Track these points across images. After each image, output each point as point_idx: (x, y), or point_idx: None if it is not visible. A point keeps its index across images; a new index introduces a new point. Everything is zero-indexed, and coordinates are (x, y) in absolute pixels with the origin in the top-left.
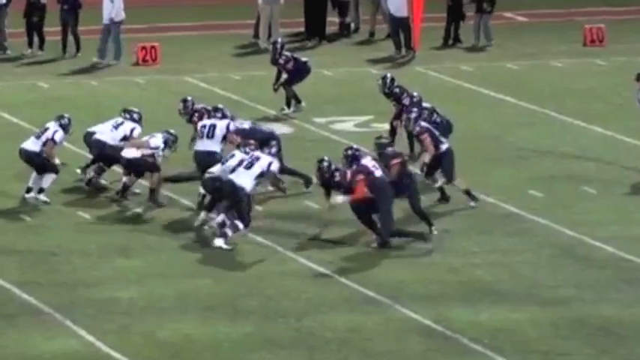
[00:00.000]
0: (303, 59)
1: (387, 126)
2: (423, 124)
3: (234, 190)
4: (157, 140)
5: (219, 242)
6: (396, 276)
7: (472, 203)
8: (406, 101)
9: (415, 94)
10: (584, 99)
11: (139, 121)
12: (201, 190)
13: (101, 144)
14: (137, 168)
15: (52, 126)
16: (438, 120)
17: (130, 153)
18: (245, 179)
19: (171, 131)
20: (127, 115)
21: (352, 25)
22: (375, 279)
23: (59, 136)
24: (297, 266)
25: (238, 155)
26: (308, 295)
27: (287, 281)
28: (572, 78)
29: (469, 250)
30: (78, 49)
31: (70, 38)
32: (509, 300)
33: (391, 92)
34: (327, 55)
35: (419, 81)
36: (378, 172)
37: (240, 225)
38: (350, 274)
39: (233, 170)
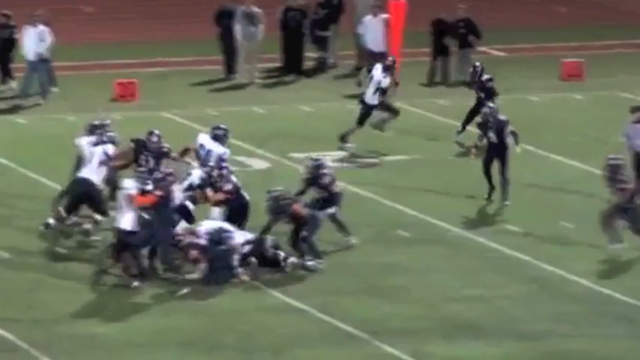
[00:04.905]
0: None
1: (365, 160)
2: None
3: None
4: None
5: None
6: (375, 311)
7: None
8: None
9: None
10: (562, 133)
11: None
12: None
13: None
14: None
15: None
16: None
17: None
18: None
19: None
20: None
21: (332, 61)
22: (353, 314)
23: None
24: (273, 301)
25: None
26: (285, 330)
27: (264, 316)
28: (550, 112)
29: (448, 285)
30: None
31: None
32: (487, 335)
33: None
34: (305, 90)
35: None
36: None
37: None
38: (328, 308)
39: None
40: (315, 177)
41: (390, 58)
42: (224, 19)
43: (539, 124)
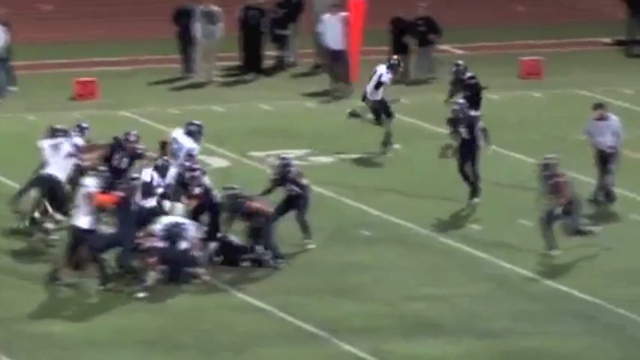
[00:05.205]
0: None
1: (323, 159)
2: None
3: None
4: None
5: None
6: (336, 310)
7: None
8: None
9: None
10: (521, 131)
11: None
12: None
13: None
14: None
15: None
16: None
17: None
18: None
19: None
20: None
21: (291, 59)
22: (314, 313)
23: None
24: (234, 300)
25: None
26: (246, 328)
27: (225, 315)
28: (509, 110)
29: (408, 284)
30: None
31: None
32: (447, 333)
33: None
34: (264, 88)
35: None
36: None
37: None
38: (289, 307)
39: None
40: (283, 176)
41: (395, 57)
42: (182, 17)
43: (498, 122)
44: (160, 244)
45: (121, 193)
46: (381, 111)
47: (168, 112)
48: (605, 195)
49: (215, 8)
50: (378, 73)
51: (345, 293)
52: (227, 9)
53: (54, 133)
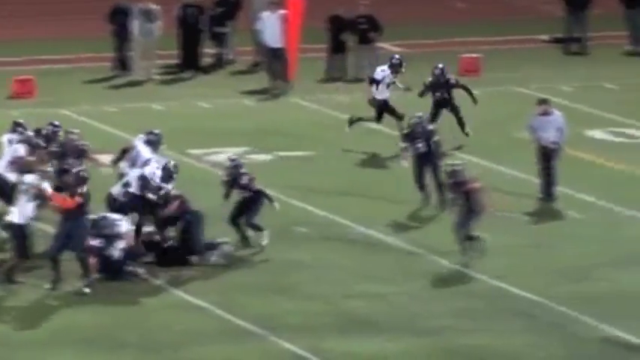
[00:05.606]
0: None
1: (262, 157)
2: None
3: None
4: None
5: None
6: (273, 307)
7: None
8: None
9: None
10: (460, 129)
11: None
12: None
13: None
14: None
15: None
16: None
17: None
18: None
19: None
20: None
21: (230, 57)
22: (252, 310)
23: None
24: (174, 298)
25: None
26: (185, 326)
27: (164, 313)
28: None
29: (347, 282)
30: None
31: None
32: (385, 330)
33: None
34: (202, 86)
35: (295, 112)
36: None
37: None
38: (227, 305)
39: None
40: (234, 178)
41: (397, 57)
42: (118, 16)
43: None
44: (95, 242)
45: (79, 200)
46: (386, 111)
47: (107, 111)
48: (546, 192)
49: (153, 6)
50: (379, 72)
51: (284, 291)
52: (165, 7)
53: (15, 127)
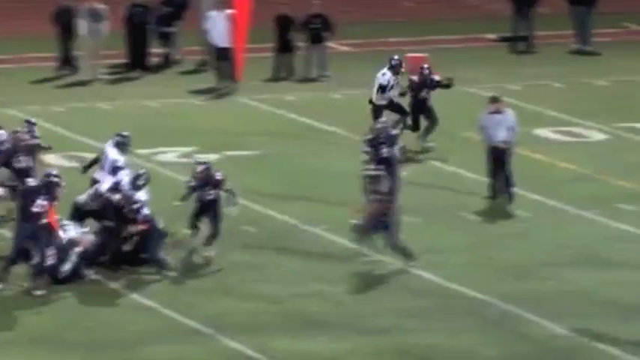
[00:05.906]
0: None
1: (210, 157)
2: None
3: None
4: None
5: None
6: (220, 306)
7: None
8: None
9: None
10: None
11: None
12: None
13: None
14: None
15: None
16: None
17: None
18: None
19: None
20: None
21: (177, 57)
22: (198, 310)
23: None
24: (121, 298)
25: None
26: (132, 326)
27: (112, 313)
28: None
29: (294, 281)
30: None
31: None
32: (331, 329)
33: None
34: (149, 86)
35: (242, 112)
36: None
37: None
38: (175, 305)
39: None
40: (205, 182)
41: (396, 57)
42: (63, 16)
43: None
44: (50, 258)
45: (56, 217)
46: (378, 116)
47: (53, 110)
48: (493, 192)
49: (100, 6)
50: (378, 78)
51: (232, 291)
52: (112, 7)
53: None
